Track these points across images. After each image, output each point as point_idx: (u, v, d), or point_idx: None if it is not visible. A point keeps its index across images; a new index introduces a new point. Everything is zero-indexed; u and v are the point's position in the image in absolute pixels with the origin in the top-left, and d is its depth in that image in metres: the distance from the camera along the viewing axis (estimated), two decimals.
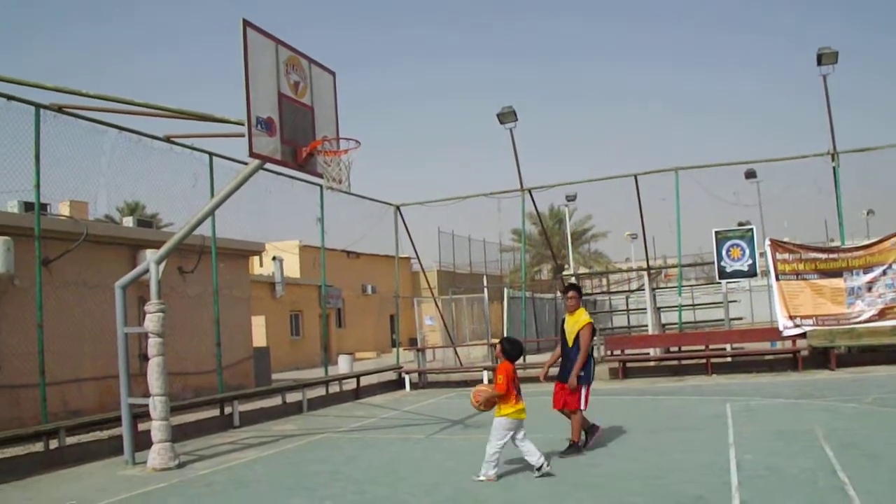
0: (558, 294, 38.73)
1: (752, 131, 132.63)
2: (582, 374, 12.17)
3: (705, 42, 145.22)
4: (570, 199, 40.80)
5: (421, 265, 33.42)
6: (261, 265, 42.82)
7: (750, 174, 30.89)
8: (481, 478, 10.35)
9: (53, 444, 14.23)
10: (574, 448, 12.01)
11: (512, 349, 10.95)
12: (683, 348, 26.94)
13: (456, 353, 31.03)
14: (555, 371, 12.64)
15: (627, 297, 40.40)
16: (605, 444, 12.60)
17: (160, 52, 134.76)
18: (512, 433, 10.51)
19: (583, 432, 12.32)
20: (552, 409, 12.51)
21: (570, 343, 12.32)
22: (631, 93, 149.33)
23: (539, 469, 10.43)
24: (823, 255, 23.95)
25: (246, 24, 12.54)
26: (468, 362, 30.04)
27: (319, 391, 22.80)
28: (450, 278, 51.89)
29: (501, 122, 27.75)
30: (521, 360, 11.29)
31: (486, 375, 24.73)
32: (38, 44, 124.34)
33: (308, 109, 14.01)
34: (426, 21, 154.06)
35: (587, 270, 55.24)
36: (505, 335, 36.31)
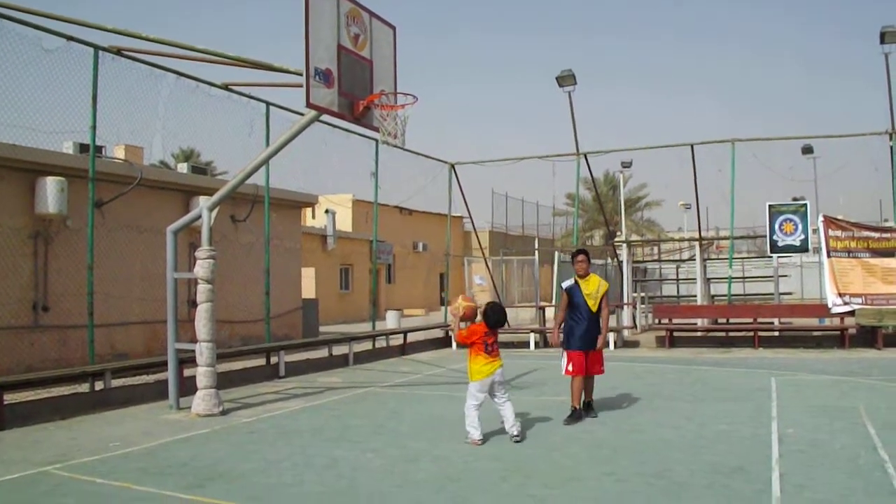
0: (609, 261, 38.66)
1: (808, 108, 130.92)
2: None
3: (763, 17, 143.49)
4: (626, 165, 40.54)
5: (473, 225, 33.42)
6: (313, 217, 42.96)
7: (807, 149, 30.50)
8: (467, 441, 10.39)
9: (99, 385, 14.39)
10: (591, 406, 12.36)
11: (493, 316, 10.76)
12: (731, 320, 26.76)
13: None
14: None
15: (678, 267, 40.14)
16: (649, 412, 12.57)
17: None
18: (486, 393, 10.57)
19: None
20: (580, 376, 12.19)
21: (595, 308, 12.17)
22: (687, 63, 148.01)
23: (515, 437, 10.50)
24: (876, 234, 23.71)
25: None
26: (516, 324, 30.02)
27: (366, 345, 22.93)
28: (501, 239, 51.82)
29: (560, 85, 27.58)
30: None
31: (532, 338, 24.75)
32: None
33: (367, 63, 13.94)
34: None
35: (639, 238, 54.90)
36: (555, 301, 36.33)
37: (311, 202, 29.96)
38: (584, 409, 12.23)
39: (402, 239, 48.67)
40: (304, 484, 8.49)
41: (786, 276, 34.94)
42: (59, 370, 14.73)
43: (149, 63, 15.91)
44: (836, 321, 23.82)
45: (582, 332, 12.15)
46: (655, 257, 47.43)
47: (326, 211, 41.14)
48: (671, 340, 24.53)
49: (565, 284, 12.53)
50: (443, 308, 31.39)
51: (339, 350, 21.10)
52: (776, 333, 24.80)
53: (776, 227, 24.99)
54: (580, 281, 12.34)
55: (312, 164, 22.10)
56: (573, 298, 12.31)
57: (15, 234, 16.50)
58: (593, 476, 8.60)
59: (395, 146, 14.77)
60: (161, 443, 10.85)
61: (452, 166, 29.20)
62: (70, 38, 14.35)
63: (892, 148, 23.97)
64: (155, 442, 10.88)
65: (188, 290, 18.71)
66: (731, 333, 25.25)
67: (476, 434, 10.37)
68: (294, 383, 17.20)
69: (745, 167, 26.29)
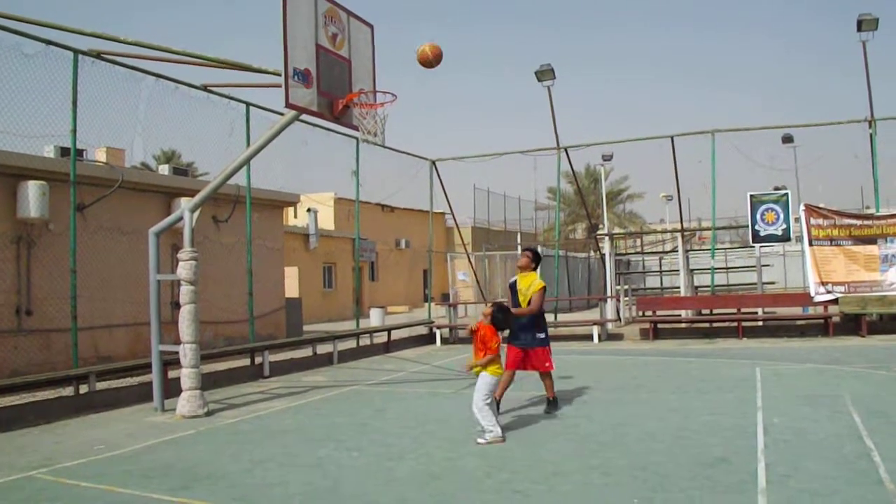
0: (592, 253, 38.78)
1: (790, 99, 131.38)
2: (543, 335, 12.36)
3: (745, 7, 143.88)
4: (607, 158, 40.69)
5: (455, 221, 33.49)
6: (295, 216, 42.92)
7: (787, 139, 30.63)
8: (483, 441, 10.18)
9: (83, 388, 14.34)
10: (555, 403, 12.47)
11: (501, 320, 10.74)
12: (715, 311, 26.89)
13: None
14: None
15: (661, 259, 40.36)
16: (634, 405, 12.62)
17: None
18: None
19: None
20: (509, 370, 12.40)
21: (525, 304, 12.29)
22: (667, 57, 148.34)
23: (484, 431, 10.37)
24: (858, 222, 23.78)
25: None
26: None
27: (350, 343, 22.92)
28: (484, 235, 51.89)
29: (539, 80, 27.66)
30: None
31: None
32: None
33: (345, 62, 13.94)
34: None
35: (622, 231, 55.05)
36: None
37: (292, 201, 29.92)
38: (548, 406, 12.42)
39: (385, 236, 48.63)
40: (289, 484, 8.50)
41: (768, 265, 35.11)
42: (43, 374, 14.69)
43: (128, 66, 15.90)
44: (820, 310, 23.88)
45: (518, 328, 12.19)
46: (638, 249, 47.65)
47: (308, 210, 41.14)
48: (655, 332, 24.60)
49: (511, 280, 12.84)
50: (426, 305, 31.40)
51: (323, 349, 21.10)
52: (760, 323, 24.92)
53: (758, 216, 25.10)
54: (518, 276, 12.58)
55: (294, 163, 22.15)
56: (513, 293, 12.58)
57: None
58: (578, 470, 8.63)
59: (376, 144, 14.82)
60: (146, 445, 10.83)
61: (433, 163, 29.22)
62: (49, 43, 14.32)
63: (871, 135, 24.10)
64: (140, 444, 10.87)
65: (171, 291, 18.69)
66: (715, 324, 25.37)
67: (499, 431, 10.27)
68: (278, 383, 17.21)
69: (726, 158, 26.45)
